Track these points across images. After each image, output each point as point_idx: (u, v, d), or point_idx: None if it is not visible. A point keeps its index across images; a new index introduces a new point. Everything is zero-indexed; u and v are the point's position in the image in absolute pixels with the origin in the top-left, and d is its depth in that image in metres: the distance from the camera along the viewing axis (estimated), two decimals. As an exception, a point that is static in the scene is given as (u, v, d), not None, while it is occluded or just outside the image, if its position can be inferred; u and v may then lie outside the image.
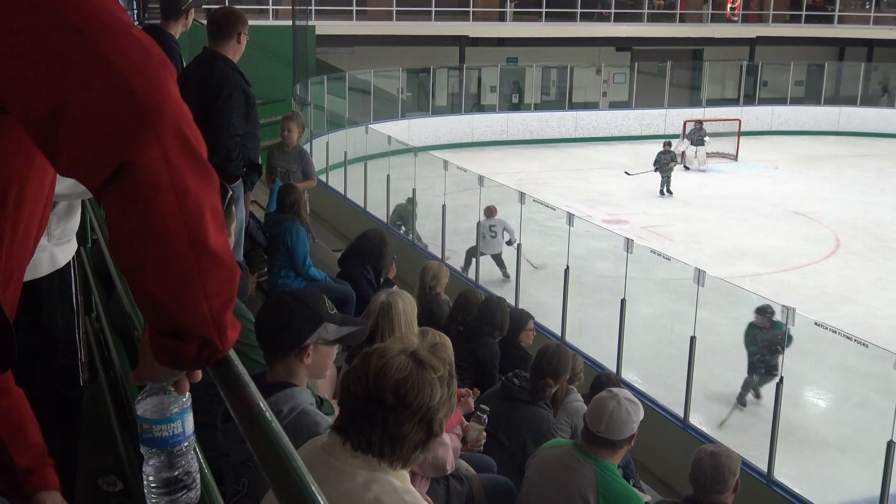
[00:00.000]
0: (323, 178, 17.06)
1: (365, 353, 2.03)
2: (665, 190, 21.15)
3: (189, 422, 1.50)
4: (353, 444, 1.94)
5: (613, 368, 9.02)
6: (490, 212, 13.71)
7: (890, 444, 6.69)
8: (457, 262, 13.06)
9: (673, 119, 27.40)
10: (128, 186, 1.19)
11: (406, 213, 14.21)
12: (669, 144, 21.73)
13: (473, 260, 13.25)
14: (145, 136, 1.17)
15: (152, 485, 1.49)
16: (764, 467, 7.52)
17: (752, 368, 10.04)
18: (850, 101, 31.08)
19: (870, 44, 32.52)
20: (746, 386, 10.03)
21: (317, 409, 2.66)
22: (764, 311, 9.83)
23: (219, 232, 1.26)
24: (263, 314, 2.82)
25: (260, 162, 5.07)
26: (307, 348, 2.70)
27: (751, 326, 9.97)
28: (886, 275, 15.68)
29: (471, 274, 12.71)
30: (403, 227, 14.30)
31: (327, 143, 18.36)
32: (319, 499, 1.30)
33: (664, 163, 21.15)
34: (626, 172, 21.64)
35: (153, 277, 1.25)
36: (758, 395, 9.85)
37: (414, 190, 14.09)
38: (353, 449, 1.93)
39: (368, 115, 23.30)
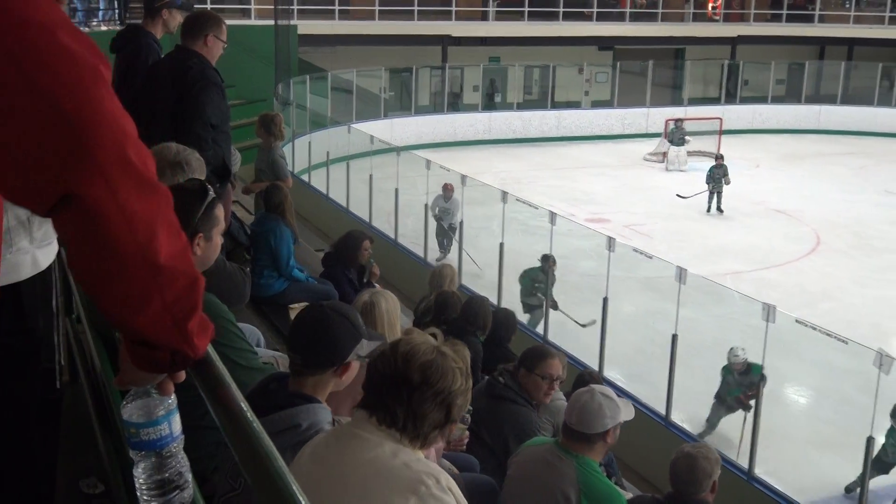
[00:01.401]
0: (305, 177, 17.07)
1: (393, 342, 2.25)
2: (717, 207, 19.62)
3: (176, 423, 1.52)
4: (378, 419, 2.10)
5: (596, 367, 9.06)
6: (448, 189, 14.00)
7: (869, 440, 6.75)
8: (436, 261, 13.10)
9: (655, 118, 27.51)
10: (73, 216, 1.16)
11: (539, 276, 11.53)
12: (722, 158, 20.07)
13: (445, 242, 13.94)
14: (85, 167, 1.13)
15: (143, 487, 1.50)
16: (745, 464, 7.58)
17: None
18: (830, 99, 31.28)
19: (850, 43, 32.72)
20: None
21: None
22: None
23: (173, 242, 1.25)
24: (304, 327, 2.74)
25: (232, 167, 5.01)
26: (348, 364, 2.67)
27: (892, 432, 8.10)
28: (867, 272, 15.80)
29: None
30: (541, 296, 11.35)
31: (309, 143, 18.35)
32: (301, 499, 1.31)
33: (717, 178, 19.57)
34: (679, 195, 20.10)
35: (111, 298, 1.25)
36: None
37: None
38: (378, 423, 2.10)
39: (351, 115, 23.29)
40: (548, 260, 11.07)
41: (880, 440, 7.38)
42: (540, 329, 10.08)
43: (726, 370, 9.29)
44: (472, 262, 12.18)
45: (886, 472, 7.96)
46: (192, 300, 1.31)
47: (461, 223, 12.98)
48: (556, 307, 10.86)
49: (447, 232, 14.16)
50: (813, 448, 8.36)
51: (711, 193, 19.53)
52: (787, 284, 14.52)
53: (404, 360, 2.13)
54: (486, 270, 12.34)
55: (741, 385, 9.00)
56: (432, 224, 13.73)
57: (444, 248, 14.19)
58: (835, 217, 19.48)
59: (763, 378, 8.28)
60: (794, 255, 16.65)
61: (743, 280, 13.69)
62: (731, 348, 9.17)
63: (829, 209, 20.18)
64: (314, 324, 2.71)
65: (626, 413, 3.83)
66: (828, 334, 7.91)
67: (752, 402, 8.51)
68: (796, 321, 8.28)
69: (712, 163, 20.28)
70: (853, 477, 7.22)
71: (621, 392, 8.08)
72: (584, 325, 10.19)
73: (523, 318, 10.57)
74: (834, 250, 17.14)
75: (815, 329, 7.99)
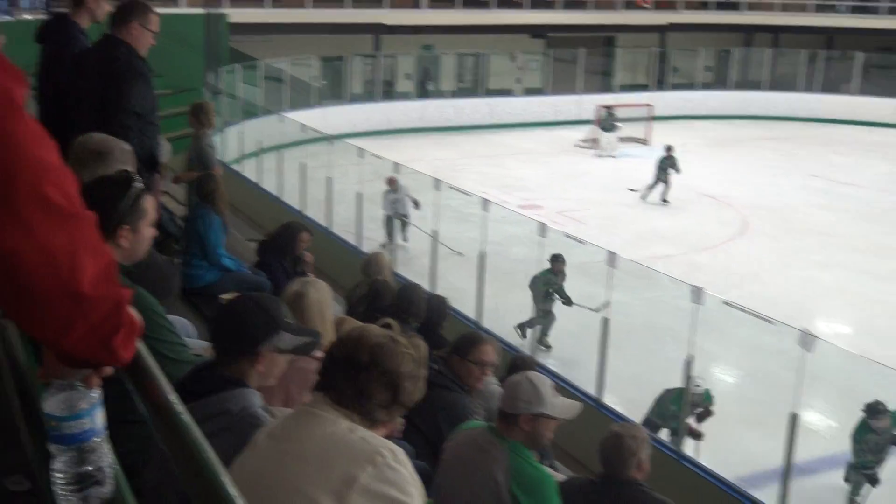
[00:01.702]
0: (237, 167, 16.91)
1: (348, 329, 2.46)
2: (662, 198, 19.45)
3: (99, 417, 1.50)
4: (331, 398, 2.22)
5: (529, 351, 9.15)
6: (392, 182, 14.25)
7: (793, 416, 6.93)
8: (372, 249, 13.10)
9: (586, 105, 27.75)
10: None
11: (550, 278, 11.14)
12: (671, 149, 19.66)
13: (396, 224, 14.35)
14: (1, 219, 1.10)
15: (61, 481, 1.48)
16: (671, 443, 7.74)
17: (857, 469, 8.18)
18: (757, 85, 31.95)
19: (775, 30, 33.42)
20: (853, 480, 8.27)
21: (266, 414, 2.64)
22: (877, 411, 7.85)
23: (97, 264, 1.23)
24: (221, 315, 2.77)
25: (160, 157, 4.96)
26: (261, 355, 2.67)
27: (864, 430, 8.01)
28: (791, 254, 16.21)
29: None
30: (556, 296, 11.17)
31: (241, 132, 18.17)
32: (231, 491, 1.33)
33: (664, 168, 19.38)
34: (630, 189, 20.06)
35: (34, 325, 1.25)
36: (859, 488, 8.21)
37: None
38: (332, 402, 2.21)
39: (283, 104, 23.10)
40: (557, 260, 10.91)
41: (805, 417, 7.57)
42: (468, 313, 10.13)
43: (677, 401, 8.45)
44: (448, 247, 12.16)
45: (874, 483, 7.94)
46: (117, 320, 1.30)
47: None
48: (570, 303, 10.86)
49: (402, 220, 14.58)
50: (741, 426, 8.54)
51: (656, 183, 19.52)
52: (716, 267, 14.81)
53: (355, 342, 2.27)
54: (421, 254, 12.36)
55: (691, 414, 8.44)
56: (368, 212, 13.70)
57: (402, 234, 14.72)
58: (761, 201, 19.92)
59: (711, 404, 8.30)
60: (723, 239, 16.99)
61: (673, 264, 13.92)
62: (690, 377, 8.41)
63: (756, 193, 20.64)
64: (230, 312, 2.73)
65: (558, 410, 3.75)
66: (754, 315, 8.10)
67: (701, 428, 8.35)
68: (724, 303, 8.46)
69: (642, 149, 20.43)
70: (780, 452, 7.37)
71: (553, 376, 8.18)
72: (597, 310, 10.27)
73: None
74: (761, 233, 17.54)
75: (742, 310, 8.17)
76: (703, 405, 8.32)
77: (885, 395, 9.03)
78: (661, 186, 19.51)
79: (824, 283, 14.57)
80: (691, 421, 8.33)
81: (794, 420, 6.94)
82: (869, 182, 22.44)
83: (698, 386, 8.37)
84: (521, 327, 11.13)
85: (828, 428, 9.48)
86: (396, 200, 14.43)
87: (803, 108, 30.70)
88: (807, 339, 6.89)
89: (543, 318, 11.14)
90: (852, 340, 11.64)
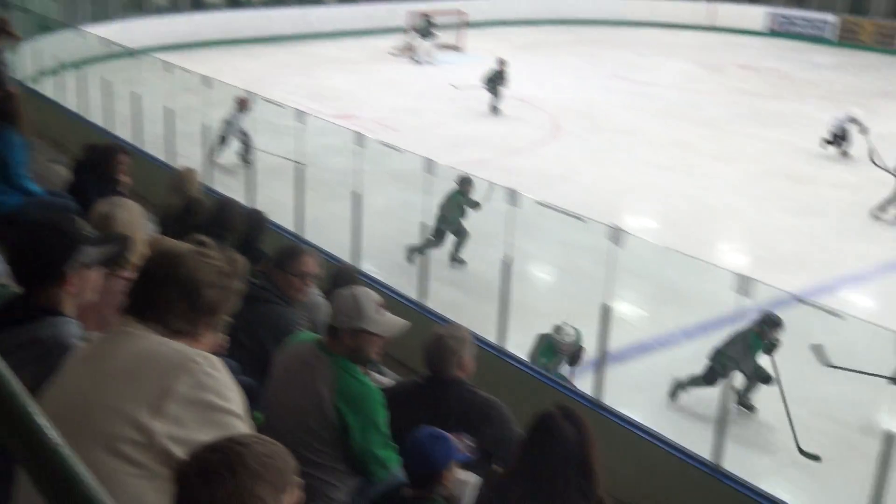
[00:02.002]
0: (35, 86, 15.95)
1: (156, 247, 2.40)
2: (496, 105, 19.54)
3: None
4: (136, 314, 2.23)
5: (351, 261, 9.18)
6: (243, 103, 14.10)
7: (605, 308, 7.29)
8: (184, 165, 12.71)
9: (399, 13, 27.54)
10: None
11: (461, 199, 11.26)
12: (504, 63, 19.48)
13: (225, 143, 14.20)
14: None
15: None
16: (495, 340, 8.00)
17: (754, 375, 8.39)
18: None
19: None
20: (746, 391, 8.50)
21: (79, 342, 2.54)
22: (775, 324, 8.09)
23: None
24: (14, 246, 2.64)
25: None
26: (68, 276, 2.57)
27: (757, 343, 8.19)
28: (599, 153, 16.86)
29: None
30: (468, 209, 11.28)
31: (37, 48, 17.08)
32: (39, 421, 1.30)
33: (493, 79, 19.46)
34: (453, 85, 19.95)
35: None
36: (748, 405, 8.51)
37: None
38: (139, 318, 2.22)
39: (82, 17, 21.81)
40: (466, 182, 11.03)
41: (617, 307, 7.94)
42: (287, 225, 10.05)
43: (548, 352, 8.11)
44: (290, 159, 11.85)
45: (769, 381, 8.20)
46: None
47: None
48: (479, 207, 11.07)
49: (243, 141, 14.43)
50: (558, 321, 8.88)
51: (490, 94, 19.58)
52: (529, 169, 15.22)
53: (155, 256, 2.33)
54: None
55: (563, 363, 8.22)
56: (179, 128, 13.23)
57: (245, 155, 14.37)
58: (570, 103, 20.55)
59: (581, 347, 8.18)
60: (535, 142, 17.45)
61: (489, 168, 14.21)
62: (558, 327, 8.15)
63: (565, 96, 21.27)
64: (23, 241, 2.63)
65: (380, 328, 3.72)
66: (566, 214, 8.38)
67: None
68: (538, 203, 8.70)
69: (456, 55, 20.52)
70: (594, 343, 7.73)
71: (376, 284, 8.27)
72: (487, 199, 10.55)
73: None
74: (570, 134, 18.12)
75: (555, 210, 8.44)
76: (575, 348, 8.19)
77: (687, 282, 9.67)
78: (490, 97, 19.62)
79: (631, 180, 15.26)
80: (568, 373, 8.33)
81: (606, 311, 7.29)
82: (669, 81, 23.49)
83: (570, 335, 8.14)
84: (455, 258, 11.31)
85: (639, 318, 10.04)
86: (242, 119, 14.24)
87: (609, 12, 31.63)
88: (616, 234, 7.19)
89: (462, 236, 11.31)
90: (659, 233, 12.31)
